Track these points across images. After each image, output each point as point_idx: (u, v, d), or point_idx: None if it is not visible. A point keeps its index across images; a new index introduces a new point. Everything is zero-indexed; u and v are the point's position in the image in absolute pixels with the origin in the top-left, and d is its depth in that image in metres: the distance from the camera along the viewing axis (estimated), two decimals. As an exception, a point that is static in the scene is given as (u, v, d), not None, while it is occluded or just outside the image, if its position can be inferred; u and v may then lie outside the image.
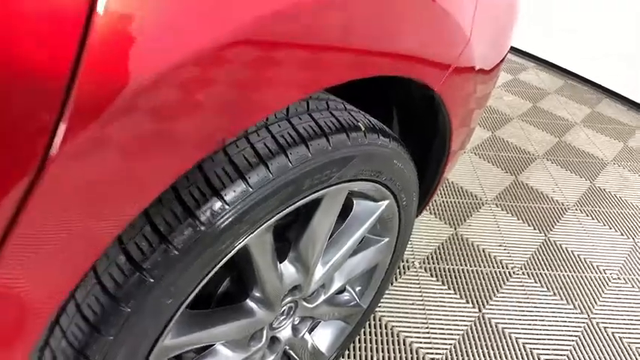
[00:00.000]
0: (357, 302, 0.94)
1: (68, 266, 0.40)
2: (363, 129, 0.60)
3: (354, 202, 0.75)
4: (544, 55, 2.83)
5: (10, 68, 0.29)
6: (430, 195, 1.00)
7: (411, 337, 1.15)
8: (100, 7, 0.30)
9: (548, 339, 1.19)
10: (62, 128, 0.31)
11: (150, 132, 0.36)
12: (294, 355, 0.86)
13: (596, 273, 1.39)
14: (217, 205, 0.47)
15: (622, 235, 1.55)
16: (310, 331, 0.89)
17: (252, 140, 0.50)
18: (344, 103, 0.64)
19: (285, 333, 0.79)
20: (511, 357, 1.13)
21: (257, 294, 0.65)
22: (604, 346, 1.19)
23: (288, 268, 0.67)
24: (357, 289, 0.94)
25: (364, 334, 1.14)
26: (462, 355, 1.12)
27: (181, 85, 0.35)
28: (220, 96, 0.39)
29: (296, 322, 0.82)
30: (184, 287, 0.49)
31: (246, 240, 0.53)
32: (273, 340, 0.78)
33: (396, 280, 1.28)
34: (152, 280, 0.45)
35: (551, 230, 1.53)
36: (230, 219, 0.48)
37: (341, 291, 0.93)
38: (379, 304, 1.19)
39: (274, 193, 0.51)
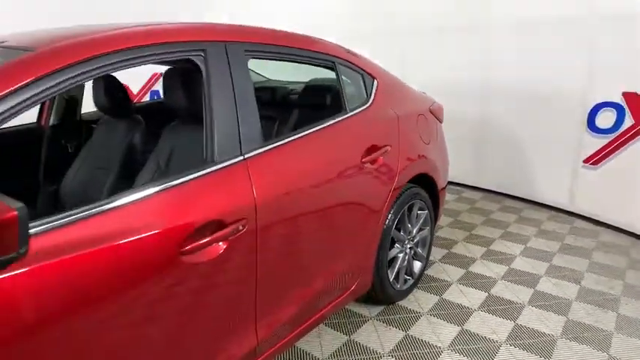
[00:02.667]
0: (423, 254, 2.91)
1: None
2: (424, 193, 2.73)
3: (419, 212, 2.80)
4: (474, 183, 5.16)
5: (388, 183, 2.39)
6: (436, 219, 3.06)
7: (443, 276, 3.03)
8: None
9: None
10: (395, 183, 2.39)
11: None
12: (409, 269, 2.78)
13: None
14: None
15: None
16: (412, 258, 2.83)
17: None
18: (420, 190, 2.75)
19: (407, 250, 2.74)
20: None
21: (403, 229, 2.65)
22: None
23: (408, 223, 2.69)
24: (422, 249, 2.92)
25: (426, 277, 3.01)
26: None
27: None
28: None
29: (409, 248, 2.77)
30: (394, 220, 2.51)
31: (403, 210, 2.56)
32: (405, 250, 2.73)
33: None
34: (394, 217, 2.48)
35: None
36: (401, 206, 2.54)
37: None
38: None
39: (407, 198, 2.58)
